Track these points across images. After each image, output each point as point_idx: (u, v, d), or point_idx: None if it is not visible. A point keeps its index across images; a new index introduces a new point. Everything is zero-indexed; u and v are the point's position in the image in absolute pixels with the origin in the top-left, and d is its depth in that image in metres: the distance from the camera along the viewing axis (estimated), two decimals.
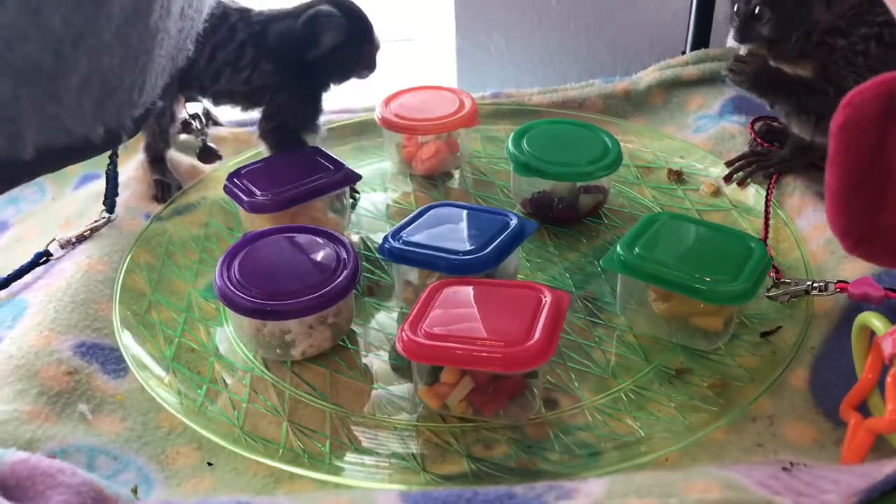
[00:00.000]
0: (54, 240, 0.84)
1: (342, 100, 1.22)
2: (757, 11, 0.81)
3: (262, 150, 1.01)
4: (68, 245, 0.84)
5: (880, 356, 0.61)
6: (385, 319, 0.80)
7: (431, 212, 0.81)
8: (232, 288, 0.71)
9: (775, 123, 1.01)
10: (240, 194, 0.86)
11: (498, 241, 0.75)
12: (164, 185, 0.97)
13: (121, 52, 0.52)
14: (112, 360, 0.72)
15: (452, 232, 0.77)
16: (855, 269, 0.76)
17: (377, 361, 0.75)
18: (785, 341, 0.72)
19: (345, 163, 0.90)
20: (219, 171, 1.00)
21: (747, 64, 0.86)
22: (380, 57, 1.33)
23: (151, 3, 0.52)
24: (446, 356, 0.63)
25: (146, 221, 0.90)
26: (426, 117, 1.01)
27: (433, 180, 1.02)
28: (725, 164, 0.97)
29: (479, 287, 0.70)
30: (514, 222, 0.78)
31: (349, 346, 0.76)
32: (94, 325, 0.75)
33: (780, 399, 0.67)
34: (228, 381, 0.72)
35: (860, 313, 0.61)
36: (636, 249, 0.73)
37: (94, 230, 0.86)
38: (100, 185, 0.99)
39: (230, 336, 0.77)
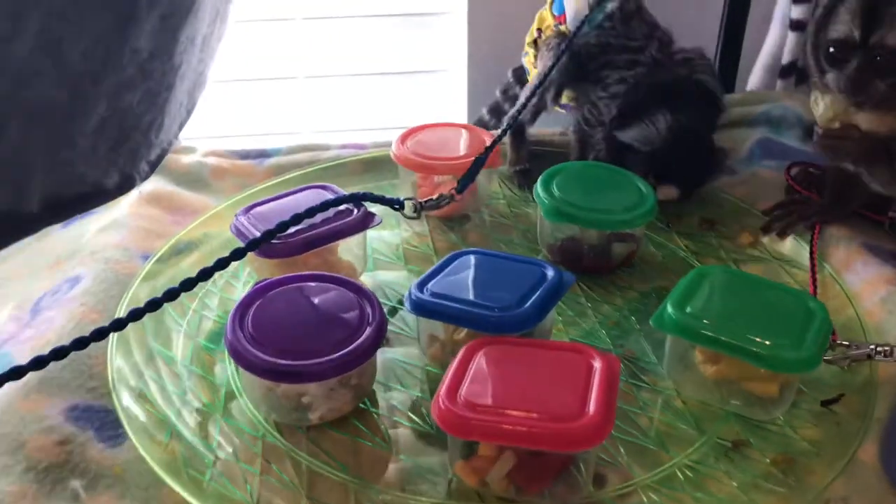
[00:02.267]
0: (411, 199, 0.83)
1: (351, 135, 1.17)
2: (883, 67, 0.73)
3: (267, 185, 0.95)
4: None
5: None
6: (408, 378, 0.73)
7: (459, 260, 0.75)
8: (245, 344, 0.64)
9: (812, 170, 0.97)
10: (248, 235, 0.78)
11: (536, 295, 0.69)
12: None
13: (143, 89, 0.46)
14: (108, 425, 0.64)
15: (485, 284, 0.71)
16: None
17: (402, 427, 0.68)
18: (848, 410, 0.67)
19: (363, 204, 0.83)
20: (221, 208, 0.93)
21: (849, 140, 0.78)
22: (392, 89, 1.28)
23: (177, 33, 0.46)
24: (491, 431, 0.56)
25: (144, 263, 0.83)
26: (445, 156, 0.95)
27: (450, 222, 0.96)
28: (763, 212, 0.92)
29: (521, 349, 0.64)
30: (551, 274, 0.72)
31: (371, 408, 0.69)
32: (88, 384, 0.67)
33: (852, 478, 0.61)
34: (239, 447, 0.65)
35: None
36: (688, 308, 0.67)
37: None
38: (90, 221, 0.92)
39: (239, 395, 0.69)
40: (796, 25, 1.10)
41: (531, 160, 1.04)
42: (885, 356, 0.67)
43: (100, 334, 0.60)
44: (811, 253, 0.83)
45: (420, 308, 0.69)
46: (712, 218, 0.94)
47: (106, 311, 0.75)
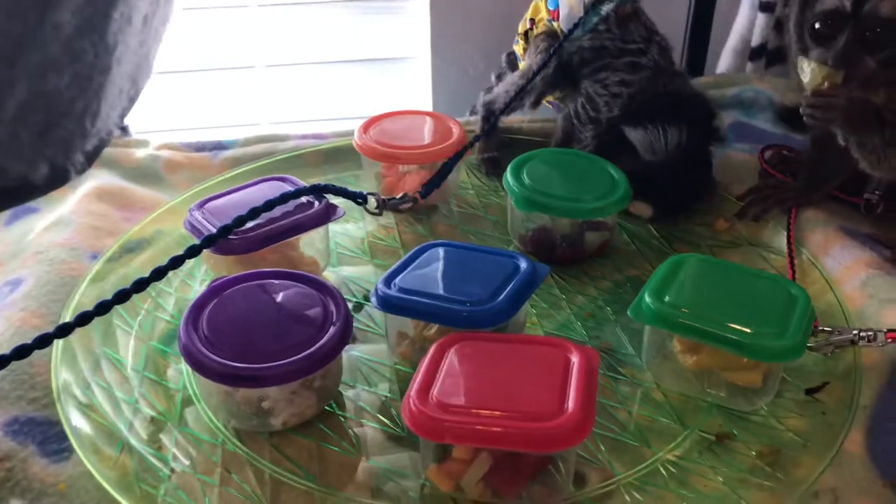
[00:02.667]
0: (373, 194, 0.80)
1: (312, 125, 1.12)
2: (873, 40, 0.70)
3: (223, 178, 0.91)
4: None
5: None
6: (376, 377, 0.69)
7: (428, 253, 0.71)
8: (200, 347, 0.60)
9: (786, 152, 0.95)
10: (204, 231, 0.74)
11: (509, 288, 0.66)
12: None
13: (70, 71, 0.41)
14: (52, 439, 0.59)
15: (455, 277, 0.68)
16: None
17: (371, 429, 0.64)
18: (833, 398, 0.65)
19: (325, 196, 0.79)
20: (175, 203, 0.88)
21: (836, 98, 0.72)
22: (353, 77, 1.24)
23: (109, 9, 0.42)
24: (466, 433, 0.53)
25: (92, 262, 0.78)
26: (410, 145, 0.91)
27: (417, 214, 0.92)
28: (737, 197, 0.90)
29: (496, 344, 0.61)
30: (524, 265, 0.69)
31: (337, 411, 0.65)
32: (30, 394, 0.62)
33: (840, 469, 0.59)
34: (196, 458, 0.60)
35: None
36: (666, 297, 0.65)
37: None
38: (35, 219, 0.87)
39: (196, 401, 0.65)
40: (766, 7, 1.08)
41: (500, 148, 1.01)
42: (868, 341, 0.65)
43: (43, 341, 0.55)
44: (788, 238, 0.81)
45: (388, 304, 0.65)
46: None
47: (49, 316, 0.70)
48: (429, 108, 1.24)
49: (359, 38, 1.24)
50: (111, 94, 0.47)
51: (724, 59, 1.15)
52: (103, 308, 0.59)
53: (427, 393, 0.55)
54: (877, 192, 0.86)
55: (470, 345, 0.60)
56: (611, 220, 0.84)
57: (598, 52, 0.91)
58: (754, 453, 0.60)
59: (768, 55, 1.12)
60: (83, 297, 0.73)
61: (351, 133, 1.03)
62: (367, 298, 0.78)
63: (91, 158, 0.47)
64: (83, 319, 0.58)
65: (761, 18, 1.09)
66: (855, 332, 0.66)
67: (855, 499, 0.56)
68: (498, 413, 0.53)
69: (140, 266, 0.79)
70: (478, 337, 0.61)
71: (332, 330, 0.62)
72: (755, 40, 1.11)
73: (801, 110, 0.74)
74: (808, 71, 0.72)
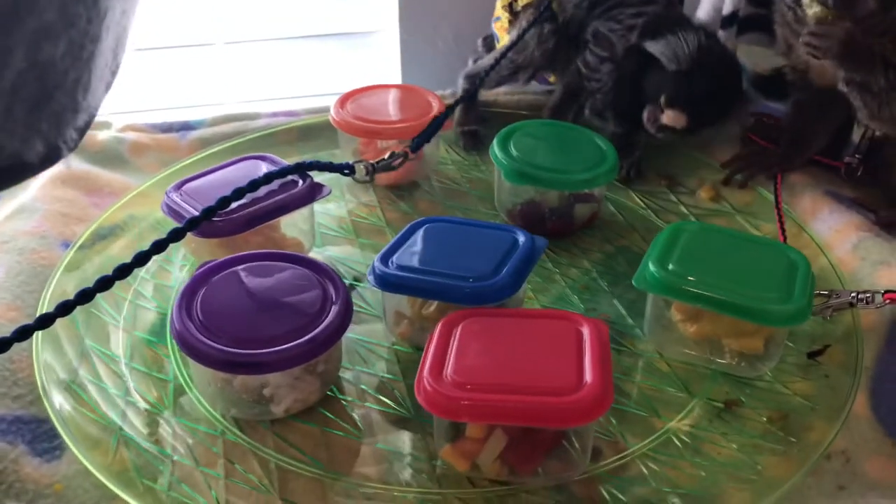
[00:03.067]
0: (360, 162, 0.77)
1: (279, 103, 1.08)
2: None
3: (194, 160, 0.87)
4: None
5: None
6: (374, 359, 0.67)
7: (423, 230, 0.69)
8: (196, 334, 0.57)
9: (766, 120, 0.95)
10: (184, 214, 0.71)
11: (510, 262, 0.64)
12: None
13: (66, 39, 0.38)
14: (42, 437, 0.56)
15: (454, 253, 0.66)
16: (893, 276, 0.70)
17: (374, 412, 0.62)
18: (834, 361, 0.65)
19: (308, 174, 0.76)
20: (146, 186, 0.84)
21: (835, 29, 0.71)
22: (318, 52, 1.20)
23: None
24: (485, 411, 0.51)
25: (65, 251, 0.74)
26: (389, 119, 0.88)
27: (399, 191, 0.90)
28: (721, 165, 0.90)
29: (503, 319, 0.59)
30: (522, 239, 0.67)
31: (338, 395, 0.63)
32: (14, 391, 0.58)
33: (848, 430, 0.59)
34: (197, 449, 0.58)
35: None
36: (670, 265, 0.64)
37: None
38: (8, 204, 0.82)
39: (189, 390, 0.62)
40: None
41: (478, 122, 0.99)
42: (866, 304, 0.65)
43: (23, 333, 0.52)
44: (777, 203, 0.82)
45: (386, 283, 0.63)
46: (669, 173, 0.91)
47: (25, 308, 0.67)
48: (398, 81, 1.21)
49: (322, 12, 1.20)
50: (100, 65, 0.44)
51: None
52: (86, 296, 0.56)
53: (441, 372, 0.53)
54: (857, 156, 0.86)
55: (478, 321, 0.58)
56: (598, 192, 0.83)
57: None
58: (764, 419, 0.60)
59: (740, 23, 1.11)
60: (58, 287, 0.69)
61: (324, 109, 1.00)
62: (356, 279, 0.76)
63: (82, 134, 0.44)
64: (65, 309, 0.54)
65: None
66: (853, 294, 0.66)
67: (866, 459, 0.57)
68: (516, 389, 0.52)
69: (116, 253, 0.76)
70: (484, 313, 0.60)
71: (333, 311, 0.59)
72: (726, 8, 1.10)
73: (801, 41, 0.73)
74: (810, 15, 0.71)
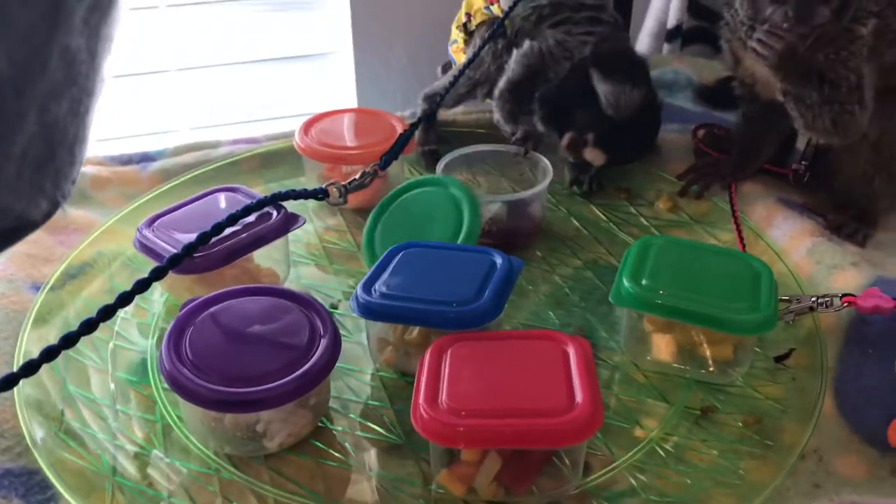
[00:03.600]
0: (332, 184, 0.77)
1: (237, 129, 1.08)
2: None
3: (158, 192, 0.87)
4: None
5: None
6: (360, 386, 0.68)
7: (401, 255, 0.70)
8: (187, 374, 0.57)
9: (716, 131, 0.99)
10: (159, 251, 0.70)
11: (491, 286, 0.66)
12: None
13: (69, 97, 0.38)
14: (35, 489, 0.55)
15: (435, 278, 0.67)
16: (847, 278, 0.74)
17: (368, 441, 0.63)
18: (799, 364, 0.69)
19: (283, 205, 0.76)
20: (113, 222, 0.84)
21: (778, 39, 0.74)
22: (273, 76, 1.20)
23: (100, 28, 0.38)
24: (483, 436, 0.53)
25: (36, 294, 0.73)
26: (355, 144, 0.89)
27: (366, 213, 0.90)
28: (677, 177, 0.93)
29: (490, 342, 0.61)
30: (500, 261, 0.69)
31: (329, 425, 0.64)
32: (1, 444, 0.57)
33: (818, 430, 0.62)
34: (192, 489, 0.58)
35: None
36: (643, 281, 0.67)
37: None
38: None
39: (177, 429, 0.62)
40: None
41: (438, 141, 1.01)
42: (825, 307, 0.69)
43: (9, 382, 0.51)
44: (733, 212, 0.85)
45: (371, 312, 0.64)
46: (627, 186, 0.94)
47: (1, 356, 0.65)
48: (354, 103, 1.22)
49: (276, 35, 1.20)
50: (92, 117, 0.44)
51: (642, 42, 1.19)
52: (70, 341, 0.55)
53: (435, 399, 0.55)
54: (803, 163, 0.91)
55: (466, 346, 0.60)
56: (536, 208, 0.86)
57: (557, 8, 0.92)
58: (740, 423, 0.63)
59: (683, 35, 1.16)
60: (34, 332, 0.68)
61: (284, 135, 1.01)
62: (332, 305, 0.77)
63: (74, 184, 0.44)
64: (49, 355, 0.54)
65: (675, 1, 1.13)
66: (813, 299, 0.70)
67: (837, 457, 0.60)
68: (509, 413, 0.53)
69: (90, 293, 0.75)
70: (470, 337, 0.61)
71: (322, 343, 0.60)
72: (671, 22, 1.15)
73: (749, 44, 0.76)
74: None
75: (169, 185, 0.90)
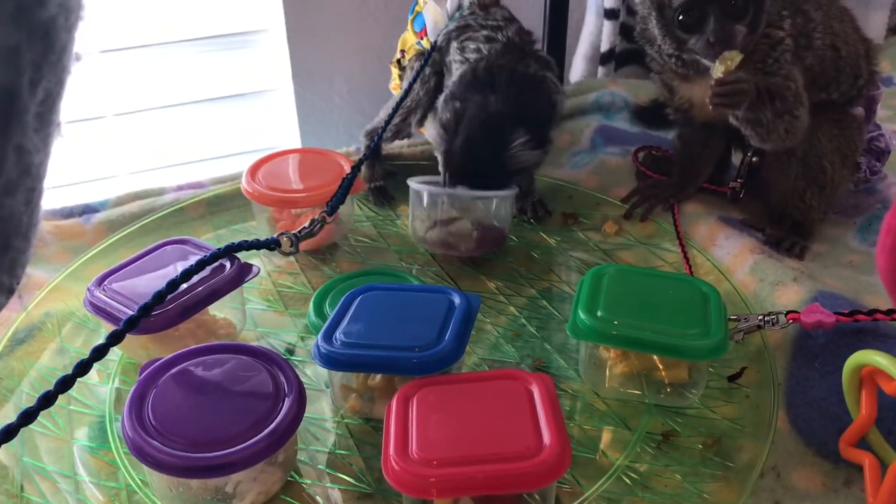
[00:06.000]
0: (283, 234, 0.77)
1: (178, 172, 1.07)
2: (738, 4, 0.75)
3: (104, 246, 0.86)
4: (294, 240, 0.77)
5: (875, 392, 0.61)
6: (326, 435, 0.68)
7: (360, 300, 0.71)
8: (152, 442, 0.56)
9: (655, 153, 1.02)
10: (113, 312, 0.69)
11: (451, 327, 0.66)
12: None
13: (24, 188, 0.37)
14: None
15: (395, 323, 0.67)
16: (790, 294, 0.77)
17: (336, 491, 0.63)
18: (753, 381, 0.71)
19: (237, 256, 0.76)
20: (59, 280, 0.82)
21: (745, 84, 0.77)
22: (213, 116, 1.18)
23: (51, 115, 0.38)
24: (454, 486, 0.53)
25: None
26: (303, 187, 0.89)
27: (319, 255, 0.91)
28: (621, 200, 0.95)
29: (455, 386, 0.61)
30: (458, 300, 0.70)
31: (298, 479, 0.63)
32: None
33: (774, 446, 0.64)
34: None
35: (856, 352, 0.60)
36: (598, 312, 0.68)
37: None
38: None
39: (139, 491, 0.61)
40: (610, 14, 1.16)
41: (385, 177, 1.02)
42: (772, 325, 0.72)
43: None
44: (678, 234, 0.88)
45: (334, 362, 0.64)
46: (573, 212, 0.96)
47: None
48: (297, 139, 1.22)
49: (214, 76, 1.19)
50: (41, 200, 0.43)
51: (577, 66, 1.22)
52: (29, 417, 0.54)
53: (405, 449, 0.55)
54: (739, 181, 0.94)
55: (431, 391, 0.60)
56: (502, 223, 0.88)
57: (463, 29, 0.94)
58: (700, 446, 0.65)
59: (617, 58, 1.19)
60: None
61: (229, 178, 1.00)
62: (289, 351, 0.77)
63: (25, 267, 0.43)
64: (8, 434, 0.53)
65: (607, 25, 1.16)
66: (760, 317, 0.72)
67: (793, 471, 0.62)
68: (480, 459, 0.54)
69: (42, 358, 0.73)
70: (436, 381, 0.62)
71: (288, 400, 0.60)
72: (604, 45, 1.18)
73: (709, 101, 0.78)
74: (716, 66, 0.76)
75: (115, 238, 0.89)
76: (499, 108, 0.84)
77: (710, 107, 0.79)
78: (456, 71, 0.92)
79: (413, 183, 0.87)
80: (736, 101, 0.78)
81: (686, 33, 0.78)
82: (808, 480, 0.62)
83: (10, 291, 0.42)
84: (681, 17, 0.77)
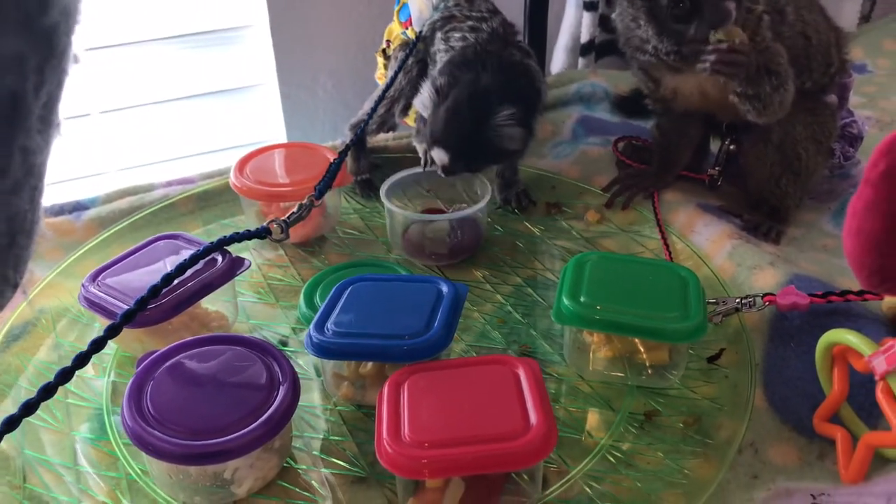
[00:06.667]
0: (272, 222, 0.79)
1: (166, 168, 1.08)
2: None
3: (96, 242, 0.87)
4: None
5: (847, 369, 0.63)
6: (319, 422, 0.70)
7: (350, 291, 0.73)
8: (152, 431, 0.58)
9: (635, 142, 1.04)
10: (108, 307, 0.71)
11: (439, 315, 0.68)
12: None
13: (28, 187, 0.39)
14: None
15: (385, 312, 0.69)
16: (766, 278, 0.80)
17: (332, 476, 0.65)
18: (731, 362, 0.74)
19: (228, 250, 0.77)
20: (52, 277, 0.83)
21: (746, 57, 0.80)
22: (200, 111, 1.20)
23: (53, 115, 0.39)
24: (445, 466, 0.55)
25: None
26: (290, 181, 0.91)
27: (308, 248, 0.92)
28: (602, 189, 0.98)
29: (445, 372, 0.64)
30: (446, 289, 0.72)
31: (293, 464, 0.65)
32: None
33: (752, 423, 0.67)
34: None
35: (828, 331, 0.63)
36: (581, 298, 0.71)
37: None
38: None
39: (140, 480, 0.63)
40: (589, 6, 1.18)
41: (371, 169, 1.03)
42: (749, 307, 0.75)
43: None
44: (657, 221, 0.90)
45: (326, 351, 0.66)
46: (556, 201, 0.99)
47: None
48: (282, 133, 1.23)
49: (199, 72, 1.20)
50: (43, 196, 0.45)
51: (558, 57, 1.24)
52: (30, 408, 0.55)
53: (398, 433, 0.57)
54: (717, 168, 0.97)
55: (422, 377, 0.63)
56: (482, 223, 0.90)
57: (448, 20, 0.96)
58: (681, 424, 0.68)
59: (597, 49, 1.22)
60: None
61: (218, 173, 1.01)
62: (282, 342, 0.79)
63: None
64: (10, 425, 0.54)
65: (587, 17, 1.18)
66: (737, 300, 0.75)
67: (770, 447, 0.65)
68: (469, 440, 0.56)
69: (38, 353, 0.75)
70: (425, 367, 0.64)
71: (283, 388, 0.62)
72: (584, 37, 1.20)
73: (709, 65, 0.80)
74: (718, 32, 0.78)
75: (106, 234, 0.90)
76: (487, 85, 0.86)
77: (708, 72, 0.81)
78: (441, 60, 0.94)
79: (387, 202, 0.88)
80: (734, 72, 0.80)
81: (682, 24, 0.80)
82: (785, 455, 0.65)
83: (15, 286, 0.43)
84: (673, 10, 0.79)
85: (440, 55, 0.94)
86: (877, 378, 0.58)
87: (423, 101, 0.87)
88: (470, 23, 0.94)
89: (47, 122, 0.39)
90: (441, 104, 0.85)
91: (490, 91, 0.85)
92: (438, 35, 0.96)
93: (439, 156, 0.86)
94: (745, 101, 0.84)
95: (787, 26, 0.84)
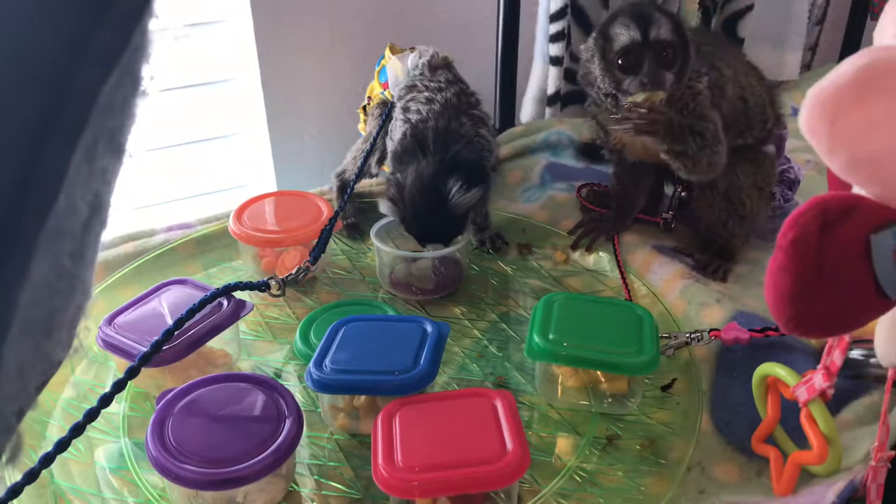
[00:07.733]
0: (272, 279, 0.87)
1: (159, 212, 1.15)
2: (669, 56, 0.89)
3: (104, 286, 0.95)
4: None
5: (779, 397, 0.73)
6: (318, 450, 0.78)
7: (344, 331, 0.81)
8: (173, 461, 0.66)
9: (596, 188, 1.14)
10: (125, 348, 0.79)
11: (425, 352, 0.77)
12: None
13: (91, 248, 0.46)
14: None
15: (377, 350, 0.78)
16: (713, 314, 0.90)
17: (331, 498, 0.73)
18: (682, 390, 0.83)
19: (233, 295, 0.85)
20: None
21: (662, 115, 0.90)
22: (191, 158, 1.27)
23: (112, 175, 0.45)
24: (434, 487, 0.64)
25: None
26: (286, 228, 1.00)
27: (301, 288, 1.01)
28: (568, 233, 1.08)
29: (431, 404, 0.72)
30: (430, 328, 0.81)
31: (297, 488, 0.74)
32: None
33: (699, 445, 0.77)
34: None
35: (761, 365, 0.72)
36: (550, 335, 0.80)
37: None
38: None
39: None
40: (555, 61, 1.28)
41: (356, 213, 1.12)
42: (697, 341, 0.84)
43: (13, 493, 0.58)
44: (618, 262, 1.00)
45: (325, 386, 0.75)
46: (527, 242, 1.08)
47: None
48: (272, 177, 1.31)
49: (193, 121, 1.28)
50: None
51: (526, 107, 1.34)
52: (62, 445, 0.63)
53: (392, 458, 0.66)
54: (670, 212, 1.07)
55: (411, 409, 0.71)
56: (463, 260, 1.00)
57: (410, 89, 1.05)
58: (638, 447, 0.77)
59: (562, 99, 1.32)
60: None
61: (216, 217, 1.09)
62: (276, 374, 0.87)
63: None
64: (47, 461, 0.62)
65: (553, 70, 1.29)
66: (687, 335, 0.85)
67: (715, 466, 0.75)
68: (454, 464, 0.65)
69: (51, 388, 0.82)
70: (415, 400, 0.73)
71: (288, 420, 0.70)
72: (550, 89, 1.30)
73: (622, 125, 0.90)
74: (638, 94, 0.89)
75: (113, 278, 0.97)
76: (431, 170, 0.95)
77: (624, 131, 0.91)
78: (399, 129, 1.02)
79: (377, 241, 0.98)
80: (649, 129, 0.90)
81: (624, 74, 0.90)
82: (728, 473, 0.74)
83: (75, 336, 0.50)
84: (620, 61, 0.90)
85: (399, 124, 1.03)
86: (800, 405, 0.67)
87: (387, 208, 0.97)
88: (426, 94, 1.02)
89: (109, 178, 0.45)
90: (403, 211, 0.96)
91: (435, 175, 0.94)
92: (399, 105, 1.04)
93: (420, 241, 0.97)
94: (675, 158, 0.94)
95: (725, 100, 0.95)
